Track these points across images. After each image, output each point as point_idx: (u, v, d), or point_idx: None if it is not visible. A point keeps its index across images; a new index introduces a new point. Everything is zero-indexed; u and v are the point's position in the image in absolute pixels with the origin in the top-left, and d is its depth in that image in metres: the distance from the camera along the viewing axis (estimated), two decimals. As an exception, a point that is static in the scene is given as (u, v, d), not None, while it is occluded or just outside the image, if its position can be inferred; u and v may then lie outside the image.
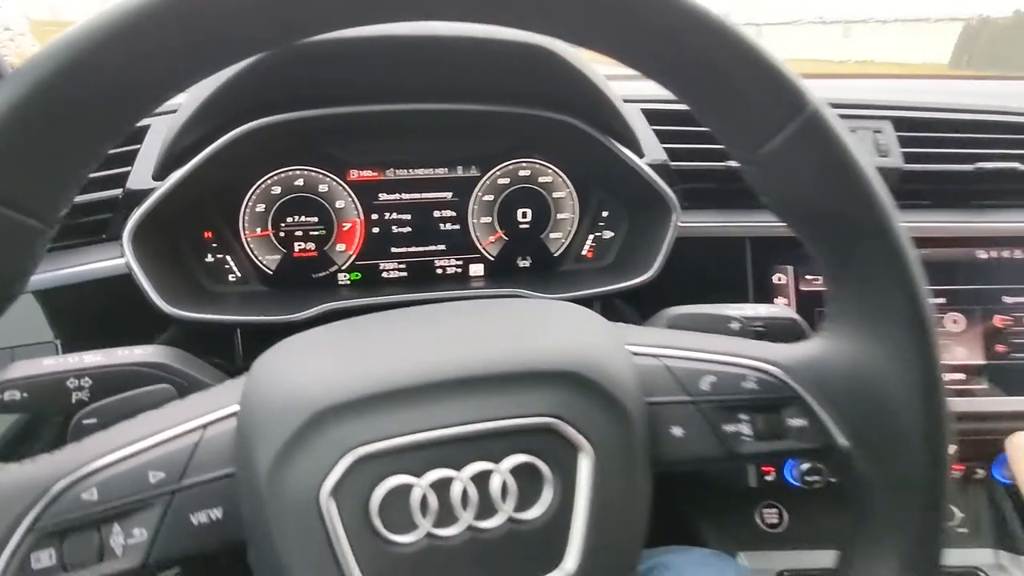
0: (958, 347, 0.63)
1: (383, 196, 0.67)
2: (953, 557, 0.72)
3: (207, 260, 0.64)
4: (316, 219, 0.66)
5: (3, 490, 0.26)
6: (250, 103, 0.56)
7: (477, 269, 0.71)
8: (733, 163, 0.61)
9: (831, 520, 0.74)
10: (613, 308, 0.66)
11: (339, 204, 0.67)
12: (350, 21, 0.26)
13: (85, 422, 0.31)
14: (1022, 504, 0.73)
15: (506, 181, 0.69)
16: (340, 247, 0.68)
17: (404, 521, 0.27)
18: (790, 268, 0.63)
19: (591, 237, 0.71)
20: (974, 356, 0.63)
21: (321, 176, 0.66)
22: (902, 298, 0.31)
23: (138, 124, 0.31)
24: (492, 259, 0.71)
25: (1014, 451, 0.47)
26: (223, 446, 0.28)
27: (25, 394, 0.34)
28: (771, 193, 0.32)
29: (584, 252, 0.71)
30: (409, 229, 0.69)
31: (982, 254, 0.64)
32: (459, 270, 0.71)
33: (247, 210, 0.64)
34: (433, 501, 0.27)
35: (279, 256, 0.66)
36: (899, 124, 0.64)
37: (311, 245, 0.67)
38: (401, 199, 0.68)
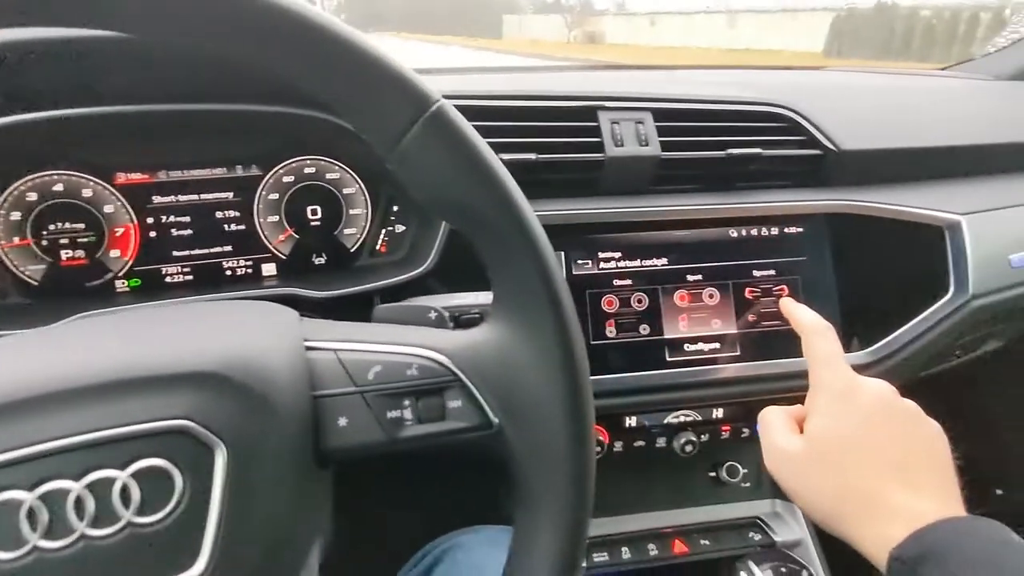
0: (715, 319, 0.69)
1: (157, 199, 0.65)
2: (736, 510, 0.80)
3: (-46, 277, 0.60)
4: (83, 225, 0.63)
5: None
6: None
7: (269, 268, 0.70)
8: (520, 155, 0.64)
9: (638, 485, 0.80)
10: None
11: (108, 209, 0.64)
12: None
13: None
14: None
15: (291, 179, 0.69)
16: (114, 253, 0.65)
17: (11, 538, 0.26)
18: (562, 253, 0.67)
19: (384, 232, 0.72)
20: (728, 326, 0.69)
21: (84, 180, 0.63)
22: (536, 282, 0.34)
23: None
24: (284, 258, 0.70)
25: (761, 424, 0.51)
26: None
27: None
28: (412, 186, 0.34)
29: (378, 247, 0.72)
30: (190, 231, 0.67)
31: (733, 232, 0.70)
32: (250, 270, 0.70)
33: (-2, 219, 0.61)
34: (44, 513, 0.27)
35: (44, 266, 0.63)
36: (658, 115, 0.69)
37: (80, 253, 0.64)
38: (178, 201, 0.66)
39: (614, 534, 0.77)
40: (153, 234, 0.66)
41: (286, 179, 0.68)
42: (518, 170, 0.40)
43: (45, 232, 0.62)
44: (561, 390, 0.34)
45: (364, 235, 0.72)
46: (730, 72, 0.88)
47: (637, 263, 0.69)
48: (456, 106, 0.33)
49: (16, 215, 0.61)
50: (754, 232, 0.71)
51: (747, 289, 0.70)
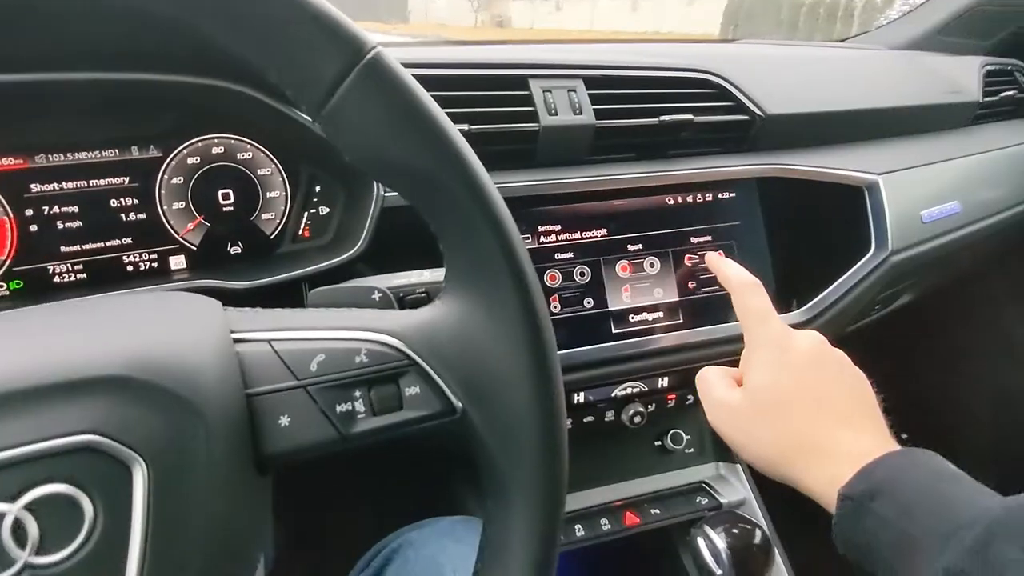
0: (656, 288, 0.69)
1: (36, 187, 0.57)
2: (682, 477, 0.81)
3: None
4: (-56, 222, 0.54)
5: None
6: None
7: (178, 261, 0.63)
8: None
9: (587, 462, 0.79)
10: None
11: (-26, 201, 0.55)
12: None
13: None
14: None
15: (196, 161, 0.62)
16: (-13, 253, 0.56)
17: None
18: (501, 229, 0.64)
19: (306, 215, 0.66)
20: (669, 294, 0.69)
21: (-60, 169, 0.53)
22: (495, 250, 0.31)
23: None
24: (195, 248, 0.63)
25: (699, 383, 0.52)
26: None
27: None
28: (348, 149, 0.30)
29: (301, 232, 0.67)
30: (80, 224, 0.59)
31: (670, 200, 0.70)
32: (155, 264, 0.62)
33: None
34: None
35: (-103, 271, 0.53)
36: (590, 82, 0.67)
37: (-57, 254, 0.55)
38: (62, 189, 0.58)
39: (566, 512, 0.76)
40: (34, 228, 0.57)
41: (191, 161, 0.61)
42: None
43: None
44: (528, 367, 0.31)
45: (284, 220, 0.66)
46: (653, 45, 0.87)
47: (577, 235, 0.67)
48: None
49: None
50: (689, 199, 0.71)
51: (686, 256, 0.70)
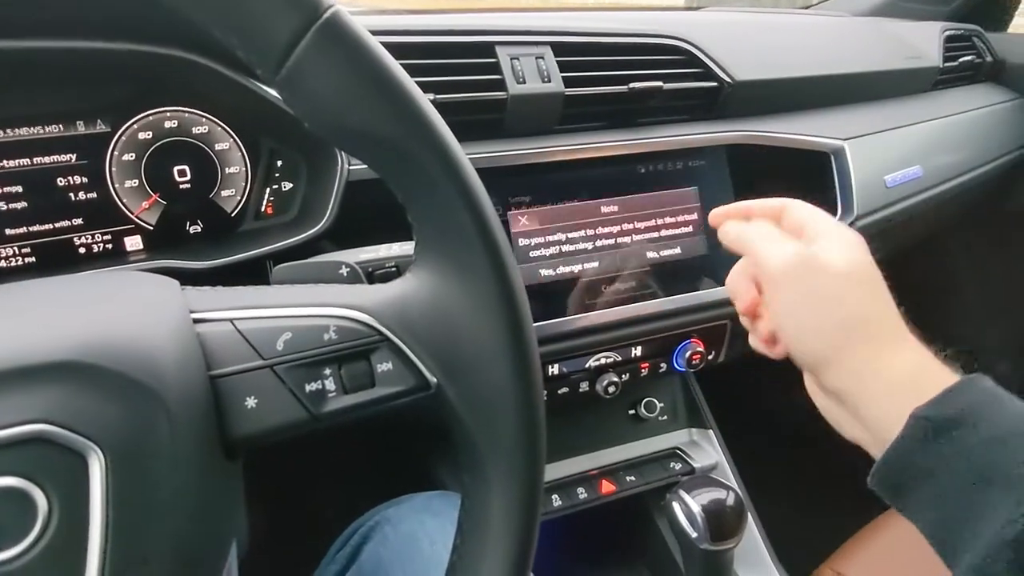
0: (629, 257, 0.68)
1: (-26, 166, 0.53)
2: (655, 444, 0.82)
3: None
4: None
5: None
6: None
7: (133, 242, 0.60)
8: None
9: (562, 432, 0.79)
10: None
11: (-94, 182, 0.51)
12: None
13: None
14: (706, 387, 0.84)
15: (148, 136, 0.59)
16: (-77, 237, 0.53)
17: None
18: (471, 201, 0.63)
19: (268, 191, 0.64)
20: (643, 263, 0.69)
21: None
22: (465, 218, 0.30)
23: None
24: (151, 228, 0.60)
25: (747, 236, 0.44)
26: None
27: None
28: (307, 116, 0.29)
29: (263, 208, 0.64)
30: (25, 204, 0.56)
31: (641, 168, 0.70)
32: (108, 246, 0.59)
33: None
34: None
35: None
36: (558, 49, 0.66)
37: None
38: (3, 168, 0.54)
39: (561, 478, 0.77)
40: (-27, 210, 0.54)
41: (142, 136, 0.58)
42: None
43: None
44: (504, 339, 0.30)
45: (245, 196, 0.63)
46: (619, 13, 0.86)
47: (548, 206, 0.66)
48: None
49: None
50: (660, 167, 0.70)
51: (657, 224, 0.70)
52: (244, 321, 0.29)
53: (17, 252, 0.56)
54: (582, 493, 0.76)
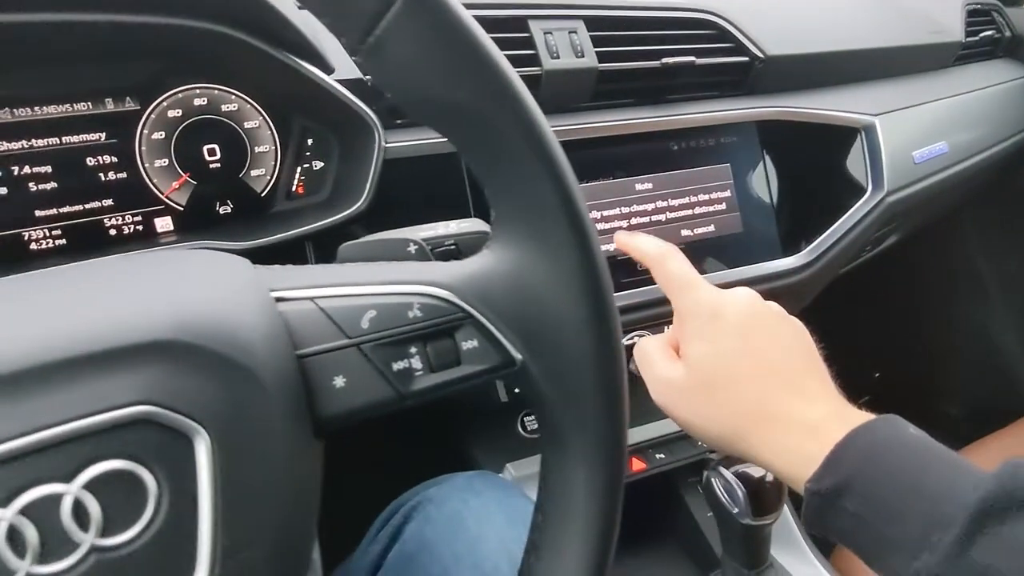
0: (662, 234, 0.68)
1: (3, 145, 0.52)
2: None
3: None
4: (-99, 186, 0.49)
5: None
6: None
7: (164, 223, 0.59)
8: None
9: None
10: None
11: (-67, 162, 0.50)
12: None
13: None
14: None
15: (177, 113, 0.57)
16: (-48, 219, 0.51)
17: None
18: (506, 179, 0.62)
19: (299, 170, 0.63)
20: (677, 241, 0.68)
21: None
22: (549, 190, 0.29)
23: None
24: (181, 209, 0.59)
25: (638, 356, 0.48)
26: None
27: None
28: (392, 88, 0.28)
29: (295, 188, 0.63)
30: (55, 184, 0.54)
31: (674, 146, 0.69)
32: (140, 227, 0.58)
33: None
34: None
35: None
36: (590, 23, 0.65)
37: (-95, 222, 0.50)
38: (32, 147, 0.53)
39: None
40: (4, 191, 0.53)
41: (172, 113, 0.57)
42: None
43: None
44: (588, 313, 0.30)
45: (275, 176, 0.62)
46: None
47: (583, 184, 0.65)
48: None
49: None
50: (692, 144, 0.70)
51: (691, 201, 0.69)
52: (326, 300, 0.28)
53: (48, 234, 0.55)
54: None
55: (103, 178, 0.56)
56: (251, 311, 0.26)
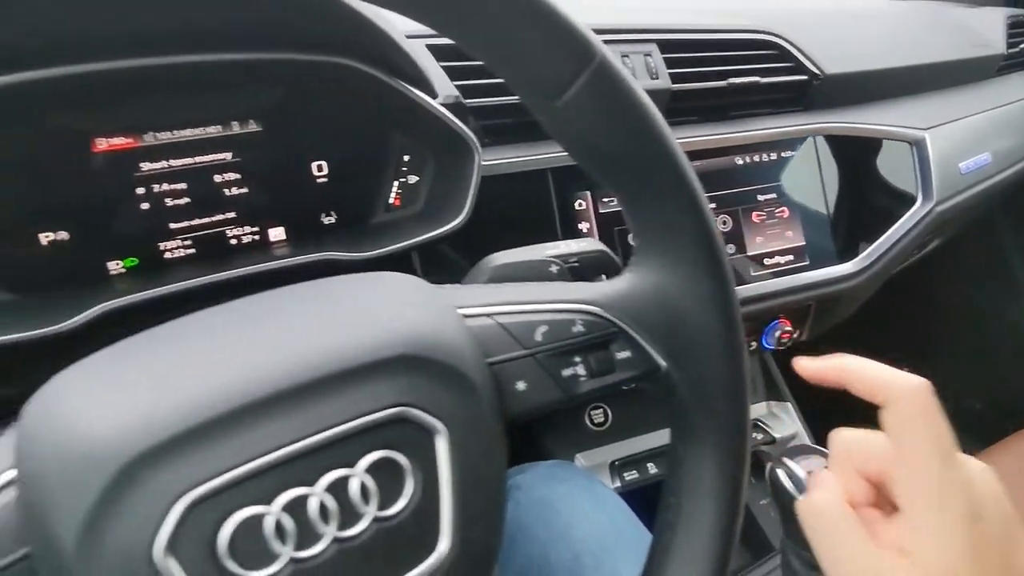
0: (729, 244, 0.73)
1: (146, 166, 0.58)
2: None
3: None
4: (63, 202, 0.55)
5: None
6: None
7: (277, 233, 0.65)
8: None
9: (646, 411, 0.85)
10: (435, 256, 0.65)
11: (90, 181, 0.56)
12: None
13: None
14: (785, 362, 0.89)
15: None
16: (103, 231, 0.57)
17: (262, 554, 0.25)
18: (588, 193, 0.67)
19: (396, 184, 0.68)
20: (740, 250, 0.73)
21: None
22: (690, 221, 0.34)
23: None
24: (292, 220, 0.65)
25: (818, 526, 0.33)
26: (4, 525, 0.23)
27: None
28: (567, 141, 0.33)
29: (391, 200, 0.69)
30: (188, 200, 0.60)
31: (738, 160, 0.74)
32: (256, 238, 0.64)
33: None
34: (290, 524, 0.25)
35: (22, 252, 0.54)
36: (663, 46, 0.69)
37: (64, 235, 0.56)
38: (170, 167, 0.59)
39: (638, 453, 0.82)
40: (146, 206, 0.58)
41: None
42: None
43: (18, 214, 0.54)
44: (719, 321, 0.35)
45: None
46: (710, 2, 0.89)
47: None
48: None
49: (-21, 197, 0.52)
50: (755, 159, 0.74)
51: (754, 214, 0.74)
52: (502, 315, 0.34)
53: (180, 245, 0.61)
54: (651, 468, 0.82)
55: (227, 193, 0.62)
56: (453, 326, 0.32)
